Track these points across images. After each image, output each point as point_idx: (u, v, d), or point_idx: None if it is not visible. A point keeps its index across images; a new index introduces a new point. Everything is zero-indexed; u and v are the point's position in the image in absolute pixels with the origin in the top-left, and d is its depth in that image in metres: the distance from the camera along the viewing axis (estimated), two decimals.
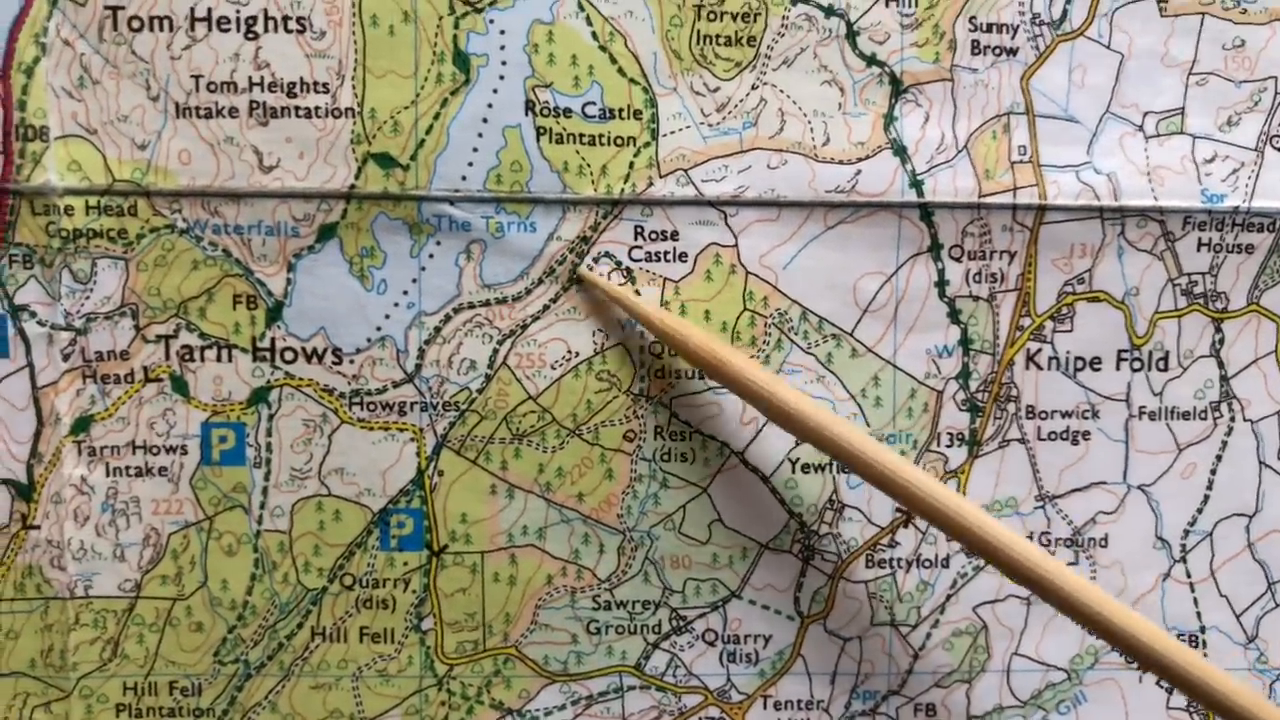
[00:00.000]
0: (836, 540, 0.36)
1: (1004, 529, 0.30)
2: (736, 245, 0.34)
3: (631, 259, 0.34)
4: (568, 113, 0.34)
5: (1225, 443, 0.36)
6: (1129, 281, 0.36)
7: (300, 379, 0.34)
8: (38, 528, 0.34)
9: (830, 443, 0.31)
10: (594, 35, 0.34)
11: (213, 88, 0.33)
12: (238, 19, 0.33)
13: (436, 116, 0.33)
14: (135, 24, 0.33)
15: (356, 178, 0.33)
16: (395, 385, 0.34)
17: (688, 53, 0.34)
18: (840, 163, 0.34)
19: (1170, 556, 0.37)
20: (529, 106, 0.33)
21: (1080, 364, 0.36)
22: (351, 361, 0.34)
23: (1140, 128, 0.35)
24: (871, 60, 0.34)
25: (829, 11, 0.34)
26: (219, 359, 0.34)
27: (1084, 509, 0.36)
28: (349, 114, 0.33)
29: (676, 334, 0.33)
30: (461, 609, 0.35)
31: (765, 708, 0.36)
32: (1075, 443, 0.36)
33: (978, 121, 0.35)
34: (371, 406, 0.34)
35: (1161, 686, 0.37)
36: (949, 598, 0.36)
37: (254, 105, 0.33)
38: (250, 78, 0.33)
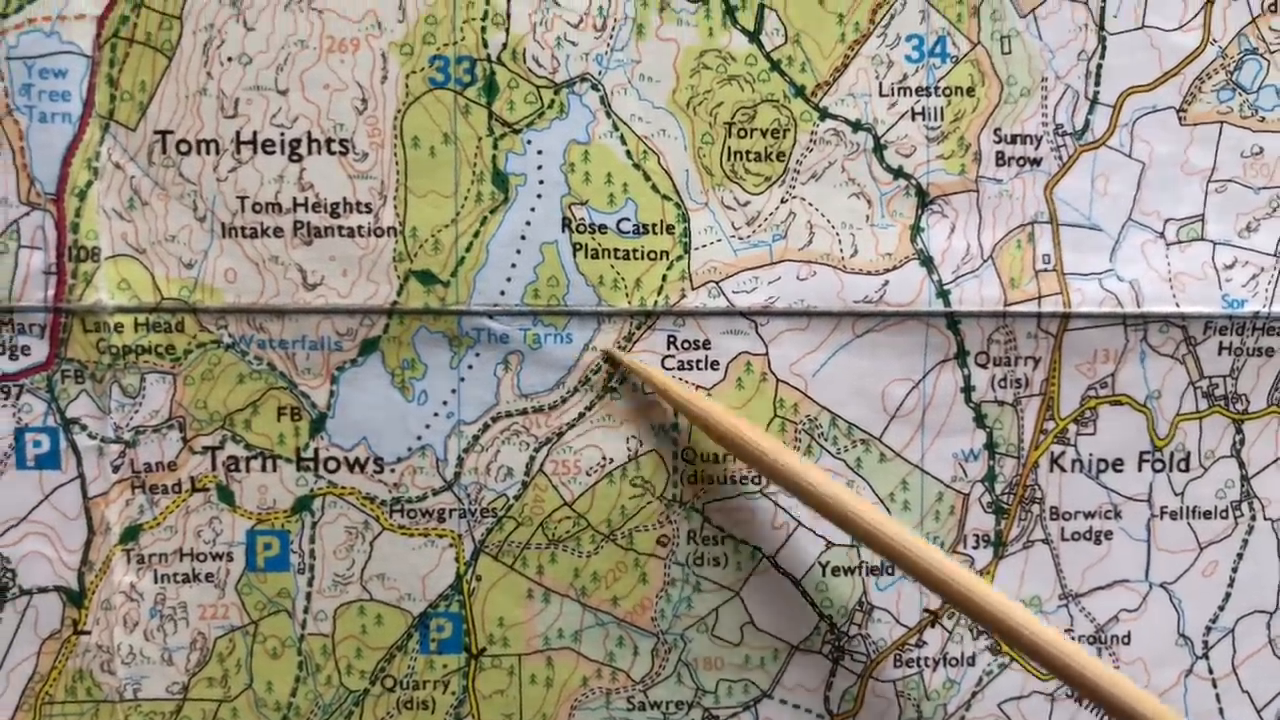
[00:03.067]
0: (865, 641, 0.36)
1: (1030, 617, 0.31)
2: (767, 353, 0.35)
3: (665, 367, 0.35)
4: (603, 229, 0.35)
5: (1246, 541, 0.37)
6: (1151, 385, 0.36)
7: (343, 487, 0.35)
8: (88, 633, 0.35)
9: (852, 522, 0.32)
10: (628, 154, 0.34)
11: (258, 208, 0.34)
12: (282, 141, 0.34)
13: (476, 234, 0.34)
14: (183, 147, 0.34)
15: (399, 294, 0.34)
16: (435, 493, 0.35)
17: (719, 169, 0.35)
18: (868, 273, 0.35)
19: (1192, 653, 0.37)
20: (565, 223, 0.34)
21: (1103, 466, 0.37)
22: (392, 470, 0.35)
23: (1161, 234, 0.36)
24: (899, 173, 0.35)
25: (856, 126, 0.35)
26: (264, 469, 0.35)
27: (1107, 607, 0.37)
28: (391, 233, 0.34)
29: (707, 416, 0.34)
30: (500, 710, 0.36)
31: None
32: (1098, 542, 0.37)
33: (1003, 231, 0.36)
34: (412, 514, 0.35)
35: None
36: (974, 695, 0.37)
37: (298, 225, 0.34)
38: (295, 198, 0.34)
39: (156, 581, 0.35)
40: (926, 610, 0.36)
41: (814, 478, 0.32)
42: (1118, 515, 0.37)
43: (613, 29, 0.34)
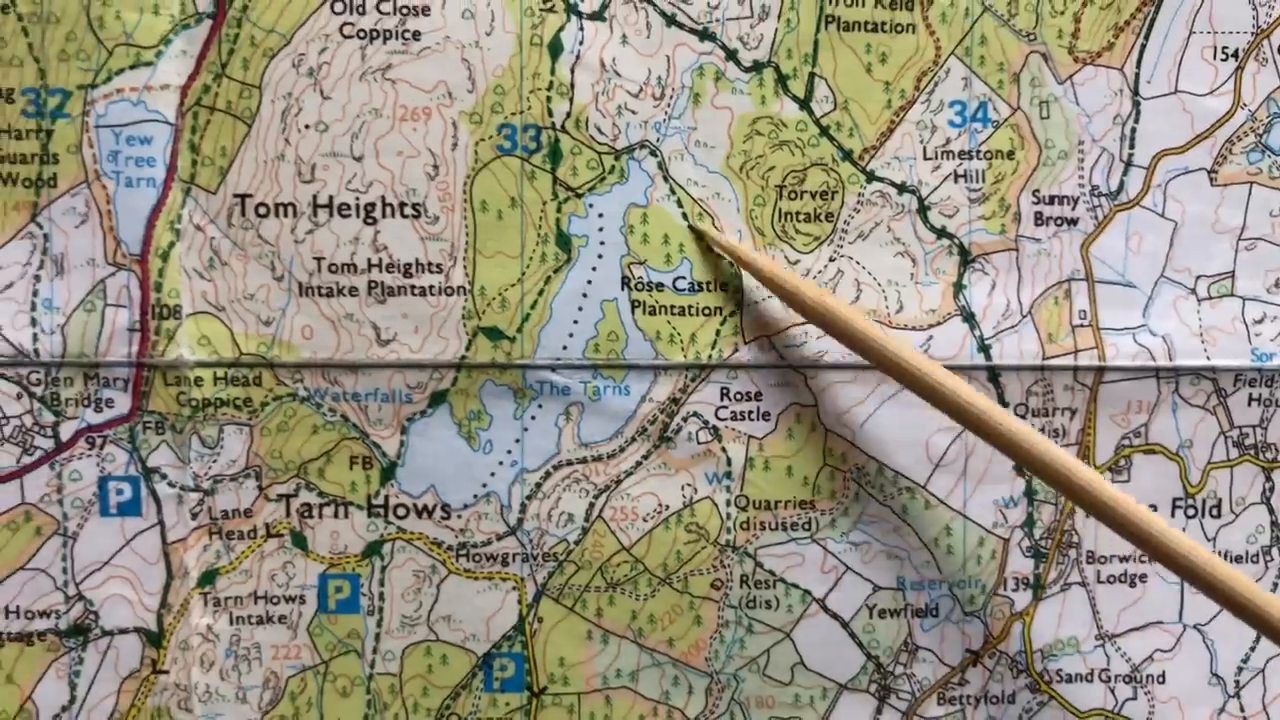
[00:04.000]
0: (910, 680, 0.38)
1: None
2: (817, 405, 0.37)
3: (718, 418, 0.37)
4: (660, 287, 0.36)
5: (1276, 585, 0.39)
6: (1183, 435, 0.38)
7: (411, 533, 0.36)
8: (166, 672, 0.36)
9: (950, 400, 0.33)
10: (684, 215, 0.36)
11: (333, 269, 0.35)
12: (357, 205, 0.35)
13: (540, 293, 0.36)
14: (261, 210, 0.35)
15: (467, 349, 0.36)
16: (499, 538, 0.37)
17: (770, 229, 0.36)
18: (913, 329, 0.37)
19: (1225, 692, 0.39)
20: (625, 282, 0.36)
21: None
22: (459, 516, 0.36)
23: (1193, 291, 0.38)
24: (942, 232, 0.37)
25: (902, 188, 0.37)
26: (336, 515, 0.36)
27: (1142, 647, 0.38)
28: (460, 291, 0.36)
29: (786, 283, 0.35)
30: None
31: None
32: (1133, 585, 0.38)
33: (1041, 288, 0.37)
34: (477, 558, 0.37)
35: None
36: None
37: (372, 285, 0.35)
38: (369, 259, 0.35)
39: (232, 623, 0.36)
40: (969, 650, 0.38)
41: (907, 356, 0.34)
42: (1152, 559, 0.38)
43: (670, 98, 0.36)
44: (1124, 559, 0.38)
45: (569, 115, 0.36)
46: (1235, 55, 0.37)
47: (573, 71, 0.35)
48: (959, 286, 0.37)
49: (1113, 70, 0.37)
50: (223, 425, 0.36)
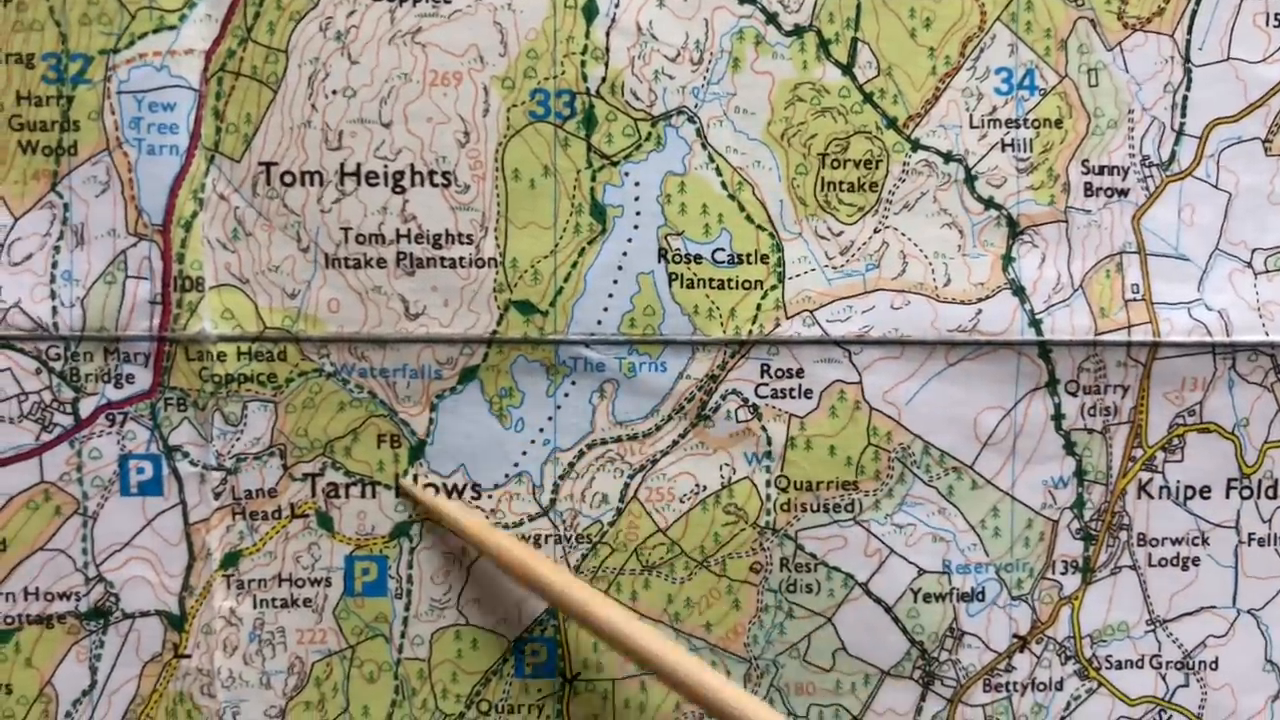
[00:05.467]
0: (955, 666, 0.37)
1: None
2: (860, 382, 0.36)
3: (758, 395, 0.36)
4: (698, 259, 0.35)
5: None
6: (1239, 413, 0.37)
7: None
8: (189, 657, 0.35)
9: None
10: (723, 185, 0.35)
11: (361, 239, 0.34)
12: (385, 174, 0.34)
13: (574, 265, 0.35)
14: (287, 179, 0.34)
15: (498, 324, 0.35)
16: (531, 519, 0.35)
17: (812, 199, 0.35)
18: (961, 303, 0.36)
19: None
20: (661, 254, 0.35)
21: (1191, 493, 0.37)
22: (490, 496, 0.35)
23: (1249, 264, 0.36)
24: (989, 203, 0.36)
25: (948, 158, 0.35)
26: (363, 495, 0.35)
27: (1195, 633, 0.37)
28: (492, 264, 0.34)
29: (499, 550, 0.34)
30: None
31: None
32: (1185, 569, 0.37)
33: (1092, 261, 0.36)
34: None
35: None
36: (1063, 719, 0.37)
37: (401, 256, 0.34)
38: (398, 229, 0.34)
39: (256, 606, 0.35)
40: (1016, 636, 0.37)
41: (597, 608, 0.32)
42: (1205, 542, 0.37)
43: (709, 63, 0.35)
44: (1176, 541, 0.37)
45: (604, 80, 0.34)
46: None
47: (608, 35, 0.34)
48: (1008, 259, 0.36)
49: (1163, 36, 0.36)
50: (246, 402, 0.35)
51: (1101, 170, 0.36)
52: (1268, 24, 0.36)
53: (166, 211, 0.34)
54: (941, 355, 0.36)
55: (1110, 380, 0.36)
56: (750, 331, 0.35)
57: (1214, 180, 0.36)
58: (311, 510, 0.35)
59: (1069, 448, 0.36)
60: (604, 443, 0.35)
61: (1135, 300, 0.36)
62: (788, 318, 0.35)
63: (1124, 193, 0.36)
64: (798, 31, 0.35)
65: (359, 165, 0.34)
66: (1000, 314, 0.36)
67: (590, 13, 0.34)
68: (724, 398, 0.35)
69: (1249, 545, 0.37)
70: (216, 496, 0.35)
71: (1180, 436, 0.37)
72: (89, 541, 0.34)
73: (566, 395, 0.35)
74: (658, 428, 0.35)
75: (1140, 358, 0.36)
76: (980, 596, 0.36)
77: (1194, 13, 0.36)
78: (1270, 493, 0.37)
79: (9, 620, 0.34)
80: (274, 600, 0.35)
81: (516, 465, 0.35)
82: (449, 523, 0.35)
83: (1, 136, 0.33)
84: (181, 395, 0.34)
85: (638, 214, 0.35)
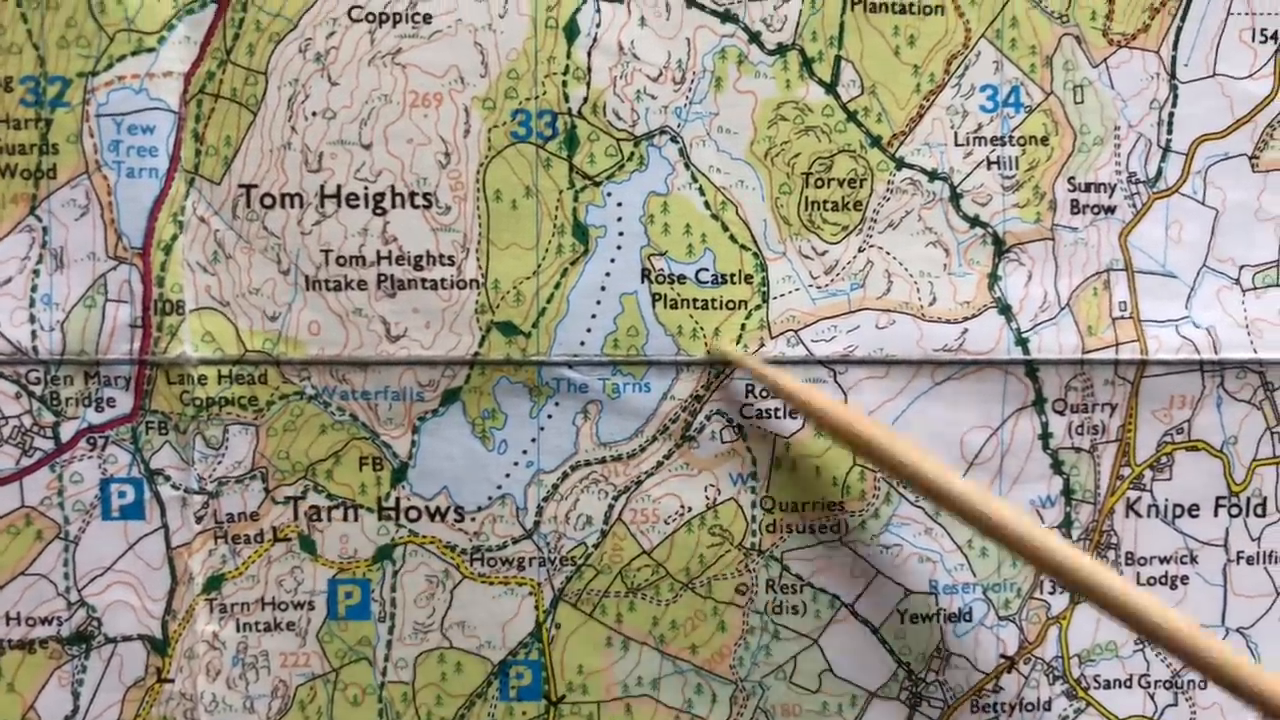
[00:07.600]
0: (943, 687, 0.36)
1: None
2: (846, 401, 0.35)
3: (743, 416, 0.35)
4: (682, 279, 0.35)
5: None
6: (1227, 431, 0.36)
7: (424, 536, 0.35)
8: (172, 681, 0.35)
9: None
10: (706, 205, 0.35)
11: (342, 261, 0.34)
12: (366, 195, 0.34)
13: (557, 286, 0.34)
14: (267, 201, 0.34)
15: (480, 345, 0.34)
16: (515, 541, 0.35)
17: (796, 218, 0.35)
18: (947, 321, 0.35)
19: None
20: (645, 274, 0.35)
21: (1179, 511, 0.37)
22: (473, 519, 0.35)
23: (1237, 281, 0.36)
24: (975, 221, 0.35)
25: (933, 176, 0.35)
26: (345, 518, 0.35)
27: None
28: (473, 285, 0.34)
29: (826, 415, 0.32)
30: None
31: None
32: (1174, 587, 0.37)
33: (1079, 278, 0.36)
34: (492, 562, 0.35)
35: None
36: None
37: (382, 278, 0.34)
38: (379, 251, 0.34)
39: (239, 630, 0.35)
40: (1004, 656, 0.36)
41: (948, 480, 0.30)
42: (1194, 560, 0.37)
43: (691, 82, 0.34)
44: (1164, 560, 0.37)
45: (586, 100, 0.34)
46: (1275, 37, 0.36)
47: (589, 55, 0.34)
48: (994, 277, 0.35)
49: (1148, 53, 0.36)
50: (227, 425, 0.34)
51: (1088, 187, 0.36)
52: (1254, 39, 0.36)
53: (146, 234, 0.34)
54: (927, 375, 0.35)
55: (1098, 399, 0.36)
56: None
57: (1201, 197, 0.36)
58: (294, 533, 0.35)
59: (1056, 467, 0.36)
60: (588, 464, 0.35)
61: (1123, 318, 0.36)
62: (772, 338, 0.35)
63: (1111, 210, 0.36)
64: (780, 50, 0.35)
65: (339, 187, 0.34)
66: (986, 333, 0.35)
67: (571, 33, 0.34)
68: (708, 418, 0.35)
69: (1238, 563, 0.37)
70: (199, 520, 0.35)
71: (1168, 455, 0.36)
72: (71, 566, 0.34)
73: (550, 417, 0.35)
74: (642, 449, 0.35)
75: (1128, 376, 0.36)
76: (968, 617, 0.36)
77: (1179, 29, 0.36)
78: (1259, 511, 0.37)
79: None
80: (257, 624, 0.35)
81: (500, 487, 0.35)
82: (768, 382, 0.34)
83: None
84: (163, 419, 0.34)
85: (620, 234, 0.35)
